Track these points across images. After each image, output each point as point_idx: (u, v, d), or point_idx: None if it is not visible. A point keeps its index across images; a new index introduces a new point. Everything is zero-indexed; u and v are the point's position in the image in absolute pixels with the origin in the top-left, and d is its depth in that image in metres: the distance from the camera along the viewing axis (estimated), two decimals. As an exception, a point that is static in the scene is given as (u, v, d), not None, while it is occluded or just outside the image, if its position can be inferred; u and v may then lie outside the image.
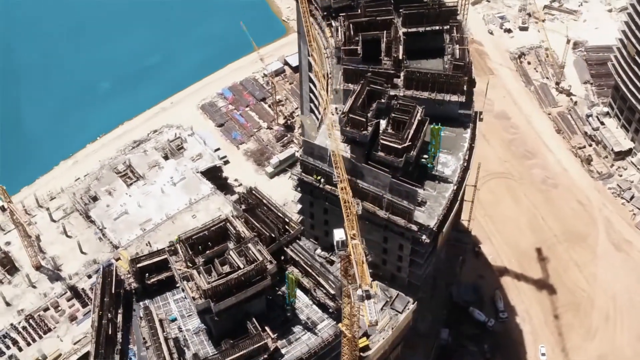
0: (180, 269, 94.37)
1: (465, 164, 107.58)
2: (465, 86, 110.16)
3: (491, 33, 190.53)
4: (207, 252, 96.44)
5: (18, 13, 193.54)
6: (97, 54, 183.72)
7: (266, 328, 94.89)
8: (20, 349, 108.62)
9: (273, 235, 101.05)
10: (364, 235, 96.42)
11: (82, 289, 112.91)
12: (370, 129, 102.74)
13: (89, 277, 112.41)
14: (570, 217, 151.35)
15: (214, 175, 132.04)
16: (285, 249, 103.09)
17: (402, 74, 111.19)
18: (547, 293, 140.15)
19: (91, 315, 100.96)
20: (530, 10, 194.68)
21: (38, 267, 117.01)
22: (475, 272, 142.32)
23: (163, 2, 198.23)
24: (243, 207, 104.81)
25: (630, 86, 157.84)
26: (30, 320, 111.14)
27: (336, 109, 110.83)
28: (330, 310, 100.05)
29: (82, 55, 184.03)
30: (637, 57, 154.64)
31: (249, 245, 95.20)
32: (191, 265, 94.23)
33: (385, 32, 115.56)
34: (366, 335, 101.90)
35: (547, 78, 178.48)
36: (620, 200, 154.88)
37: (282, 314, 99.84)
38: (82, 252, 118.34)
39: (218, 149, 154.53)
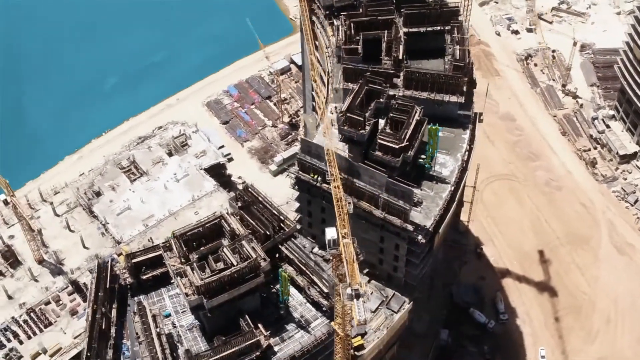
0: (174, 265, 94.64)
1: (464, 165, 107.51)
2: (464, 87, 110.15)
3: (498, 34, 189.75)
4: (201, 248, 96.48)
5: (24, 11, 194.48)
6: (105, 50, 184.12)
7: (259, 325, 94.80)
8: (20, 342, 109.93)
9: (268, 233, 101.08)
10: (360, 234, 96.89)
11: (84, 283, 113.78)
12: (368, 128, 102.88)
13: (91, 271, 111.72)
14: (573, 219, 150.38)
15: (218, 173, 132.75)
16: (280, 246, 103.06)
17: (401, 74, 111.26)
18: (549, 295, 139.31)
19: (86, 309, 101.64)
20: (536, 12, 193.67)
21: (40, 261, 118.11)
22: (477, 273, 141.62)
23: (170, 0, 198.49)
24: (239, 204, 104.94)
25: (636, 89, 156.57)
26: (32, 314, 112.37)
27: (335, 107, 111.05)
28: (323, 308, 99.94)
29: (90, 51, 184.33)
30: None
31: (243, 242, 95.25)
32: (185, 262, 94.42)
33: (386, 31, 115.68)
34: (361, 334, 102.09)
35: (554, 80, 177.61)
36: (624, 203, 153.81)
37: (276, 312, 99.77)
38: (84, 246, 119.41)
39: (222, 146, 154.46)
